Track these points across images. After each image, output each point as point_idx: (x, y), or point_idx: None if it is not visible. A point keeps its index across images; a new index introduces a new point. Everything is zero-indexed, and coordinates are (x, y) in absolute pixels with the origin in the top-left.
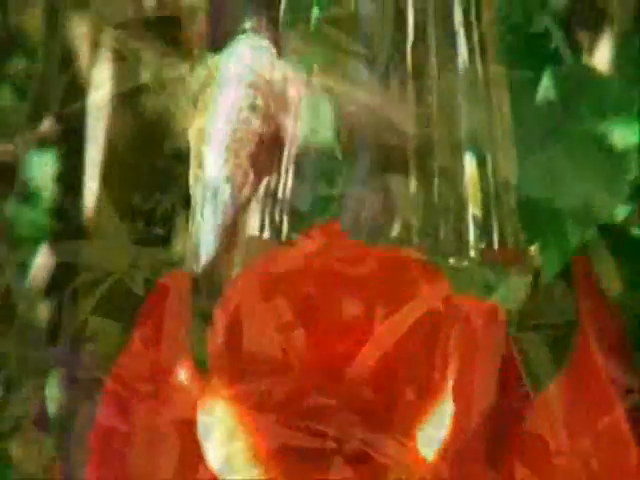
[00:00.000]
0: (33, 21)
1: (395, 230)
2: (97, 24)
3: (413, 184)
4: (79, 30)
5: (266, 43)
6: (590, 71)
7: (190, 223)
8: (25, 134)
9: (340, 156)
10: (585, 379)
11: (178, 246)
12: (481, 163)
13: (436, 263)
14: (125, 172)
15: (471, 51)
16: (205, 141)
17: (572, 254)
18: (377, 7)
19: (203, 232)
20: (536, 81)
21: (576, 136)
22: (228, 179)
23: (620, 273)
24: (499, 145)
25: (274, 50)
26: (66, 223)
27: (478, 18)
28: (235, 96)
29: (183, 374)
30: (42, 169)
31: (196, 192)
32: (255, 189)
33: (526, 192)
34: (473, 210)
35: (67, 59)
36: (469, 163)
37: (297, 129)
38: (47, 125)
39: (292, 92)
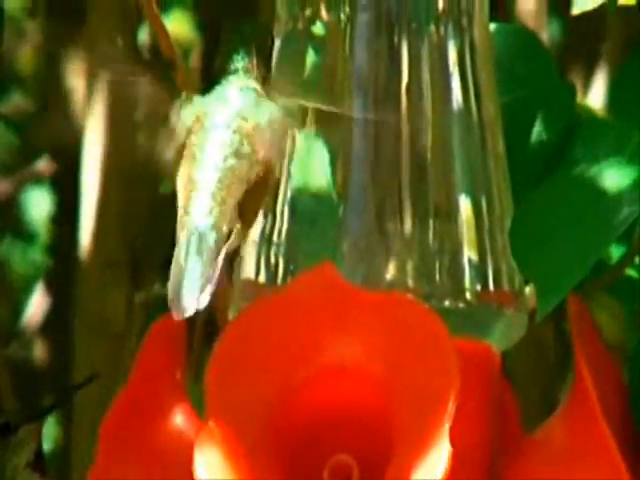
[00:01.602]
0: (27, 57)
1: (390, 273)
2: (92, 61)
3: (408, 226)
4: (74, 67)
5: (256, 85)
6: (583, 113)
7: (173, 266)
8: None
9: (335, 198)
10: (581, 420)
11: None
12: (476, 204)
13: (432, 306)
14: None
15: (465, 93)
16: (192, 188)
17: (567, 294)
18: (371, 49)
19: (186, 278)
20: (530, 122)
21: (570, 177)
22: (214, 227)
23: (615, 313)
24: (494, 186)
25: (263, 92)
26: (61, 261)
27: (472, 60)
28: (222, 143)
29: (179, 416)
30: (37, 207)
31: (181, 237)
32: (243, 237)
33: (521, 233)
34: (468, 252)
35: (62, 96)
36: (464, 204)
37: (290, 172)
38: (42, 163)
39: (282, 136)
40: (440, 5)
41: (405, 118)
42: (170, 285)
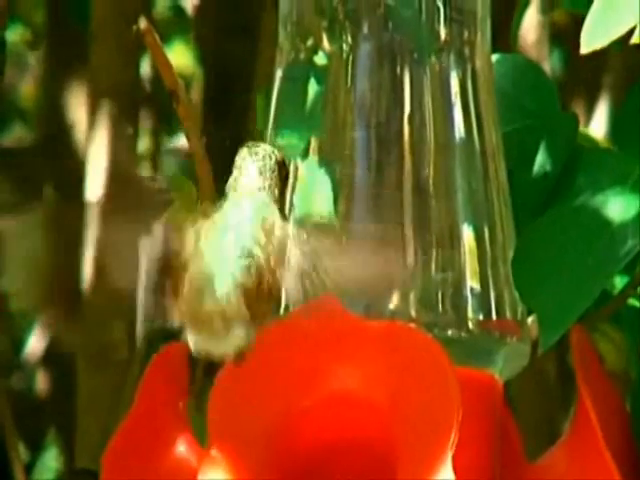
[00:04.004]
0: (29, 90)
1: (393, 302)
2: (94, 91)
3: (411, 256)
4: (76, 97)
5: (270, 200)
6: (586, 143)
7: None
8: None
9: (338, 228)
10: (584, 449)
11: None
12: (478, 234)
13: (434, 335)
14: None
15: (467, 122)
16: (203, 278)
17: (570, 325)
18: (373, 79)
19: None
20: (532, 152)
21: (572, 207)
22: (227, 328)
23: (617, 342)
24: (496, 216)
25: (278, 208)
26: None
27: (474, 90)
28: (233, 243)
29: (182, 445)
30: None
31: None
32: (253, 337)
33: (523, 263)
34: (471, 281)
35: (63, 127)
36: (466, 234)
37: (292, 202)
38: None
39: (292, 251)
40: (442, 35)
41: (407, 147)
42: None
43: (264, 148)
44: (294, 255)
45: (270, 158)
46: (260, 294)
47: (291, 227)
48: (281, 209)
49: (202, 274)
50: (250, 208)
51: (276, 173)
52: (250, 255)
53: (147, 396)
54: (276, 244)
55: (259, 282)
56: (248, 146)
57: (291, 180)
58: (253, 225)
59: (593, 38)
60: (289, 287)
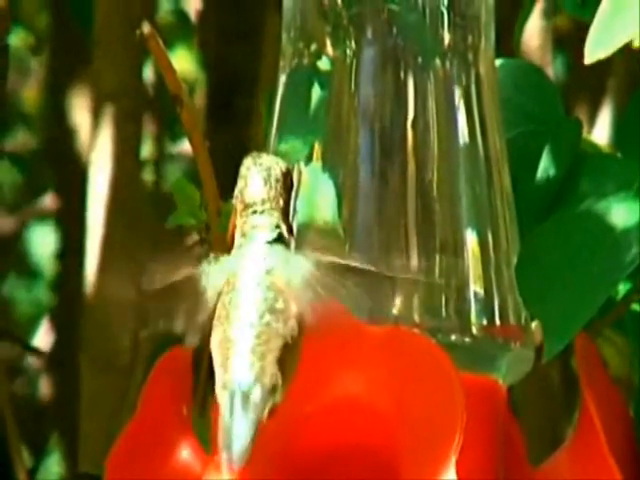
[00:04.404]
0: (32, 94)
1: (396, 308)
2: (97, 96)
3: (414, 261)
4: (79, 102)
5: (278, 236)
6: (589, 148)
7: (220, 426)
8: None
9: (341, 233)
10: (588, 454)
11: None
12: (482, 239)
13: (438, 340)
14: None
15: (471, 127)
16: (229, 346)
17: (575, 334)
18: (377, 84)
19: (235, 439)
20: (536, 157)
21: (576, 212)
22: (256, 381)
23: (621, 348)
24: (500, 221)
25: (289, 244)
26: (66, 297)
27: (478, 95)
28: (255, 300)
29: (186, 450)
30: (42, 243)
31: (222, 396)
32: (283, 392)
33: (527, 269)
34: (474, 286)
35: (67, 131)
36: (470, 239)
37: (296, 207)
38: (47, 200)
39: (310, 290)
40: (446, 40)
41: (411, 153)
42: (220, 444)
43: (269, 158)
44: (311, 288)
45: (275, 168)
46: (290, 344)
47: (305, 261)
48: (287, 219)
49: (227, 337)
50: (266, 258)
51: (281, 183)
52: (273, 309)
53: (151, 401)
54: (298, 290)
55: (285, 333)
56: (252, 156)
57: (295, 187)
58: (271, 278)
59: (597, 48)
60: (309, 319)
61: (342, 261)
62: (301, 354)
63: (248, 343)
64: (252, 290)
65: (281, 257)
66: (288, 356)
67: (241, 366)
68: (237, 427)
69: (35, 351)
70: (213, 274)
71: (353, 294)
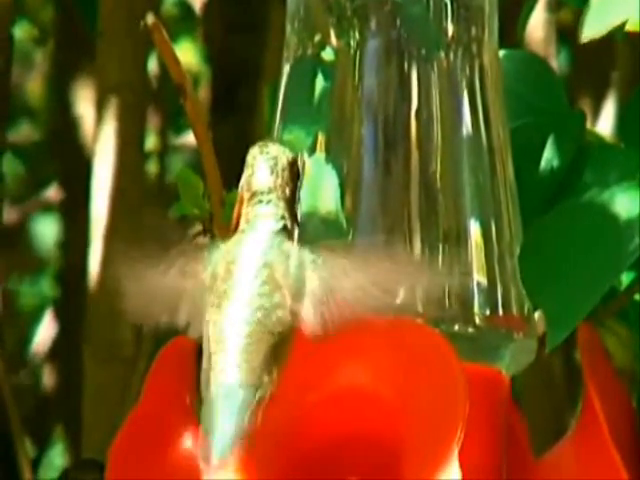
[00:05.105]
0: (36, 86)
1: (400, 297)
2: (101, 88)
3: (417, 251)
4: (83, 94)
5: (282, 227)
6: (593, 139)
7: (202, 422)
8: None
9: (345, 224)
10: (591, 445)
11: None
12: (485, 229)
13: (441, 330)
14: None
15: (475, 118)
16: (220, 340)
17: (577, 324)
18: (381, 75)
19: (217, 438)
20: (540, 148)
21: (580, 203)
22: (242, 384)
23: (624, 339)
24: (503, 211)
25: (291, 235)
26: (70, 288)
27: (482, 86)
28: (250, 295)
29: (189, 440)
30: (46, 235)
31: (208, 394)
32: (271, 389)
33: (530, 259)
34: (478, 277)
35: (71, 124)
36: (473, 229)
37: (299, 197)
38: (51, 191)
39: (309, 282)
40: (450, 32)
41: (414, 144)
42: (201, 442)
43: (276, 147)
44: (311, 284)
45: (282, 157)
46: (282, 340)
47: (306, 255)
48: (292, 208)
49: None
50: (266, 250)
51: (287, 172)
52: (269, 304)
53: (154, 390)
54: (293, 281)
55: (277, 330)
56: (259, 145)
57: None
58: (269, 271)
59: (592, 27)
60: (308, 316)
61: (344, 257)
62: (293, 349)
63: (238, 341)
64: (248, 283)
65: (282, 249)
66: (279, 352)
67: (228, 365)
68: (220, 430)
69: None
70: (214, 260)
71: (355, 289)
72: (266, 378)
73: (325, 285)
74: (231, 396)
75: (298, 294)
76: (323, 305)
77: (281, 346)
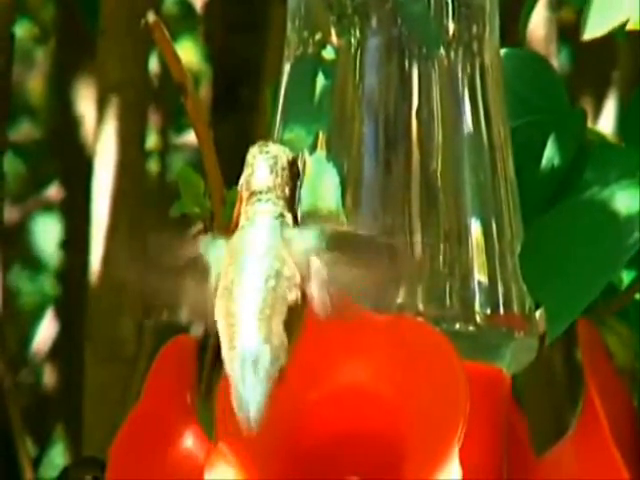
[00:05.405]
0: (37, 85)
1: (400, 296)
2: (102, 87)
3: (418, 249)
4: (84, 93)
5: (283, 211)
6: (594, 138)
7: (233, 394)
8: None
9: (345, 222)
10: (592, 444)
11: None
12: (486, 228)
13: (442, 329)
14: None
15: (476, 116)
16: (235, 315)
17: (576, 317)
18: (382, 73)
19: (249, 398)
20: (541, 147)
21: (580, 201)
22: (265, 343)
23: (625, 338)
24: (504, 210)
25: (292, 219)
26: (71, 286)
27: (483, 84)
28: (261, 268)
29: (189, 438)
30: (47, 234)
31: (233, 367)
32: (289, 354)
33: (531, 257)
34: (478, 275)
35: (71, 122)
36: (474, 228)
37: (300, 196)
38: (52, 190)
39: (313, 262)
40: (451, 30)
41: (415, 142)
42: (236, 410)
43: (275, 146)
44: (315, 268)
45: (281, 156)
46: (294, 310)
47: (309, 241)
48: (292, 207)
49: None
50: (268, 237)
51: (287, 171)
52: (280, 274)
53: (155, 389)
54: (298, 262)
55: (290, 298)
56: (259, 144)
57: (300, 176)
58: (276, 252)
59: (594, 25)
60: (316, 295)
61: (345, 253)
62: (305, 323)
63: (254, 307)
64: (258, 259)
65: (285, 236)
66: (294, 320)
67: (248, 331)
68: (250, 391)
69: None
70: (215, 256)
71: (357, 283)
72: (286, 343)
73: (328, 270)
74: (257, 359)
75: (305, 274)
76: (328, 286)
77: (294, 315)
